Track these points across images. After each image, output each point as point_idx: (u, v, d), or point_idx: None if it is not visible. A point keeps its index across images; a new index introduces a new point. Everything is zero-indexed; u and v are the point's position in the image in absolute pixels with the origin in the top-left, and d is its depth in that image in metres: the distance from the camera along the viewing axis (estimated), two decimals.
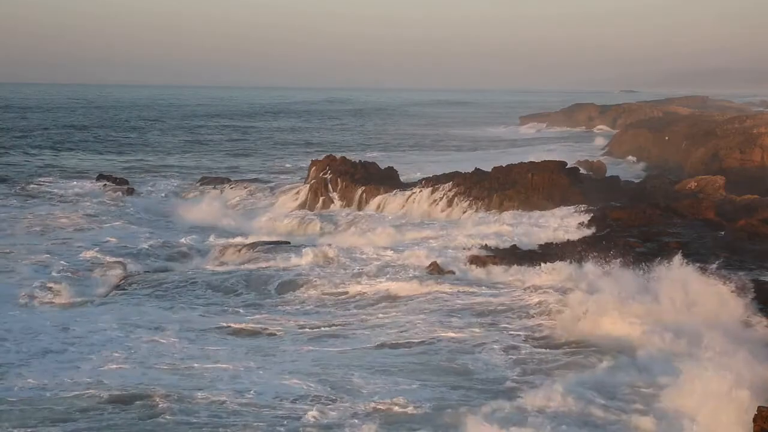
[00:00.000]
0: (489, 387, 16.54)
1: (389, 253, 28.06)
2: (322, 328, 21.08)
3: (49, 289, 24.88)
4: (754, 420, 12.44)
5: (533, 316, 20.93)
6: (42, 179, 50.60)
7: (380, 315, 22.12)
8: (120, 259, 28.73)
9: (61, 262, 28.24)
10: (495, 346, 18.77)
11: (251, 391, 16.40)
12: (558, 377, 16.59)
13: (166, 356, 18.68)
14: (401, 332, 20.43)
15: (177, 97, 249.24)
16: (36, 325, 21.01)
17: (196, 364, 18.12)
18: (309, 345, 19.70)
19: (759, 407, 12.64)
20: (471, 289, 23.63)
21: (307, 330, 21.05)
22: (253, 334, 20.84)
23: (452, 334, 19.85)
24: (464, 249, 27.59)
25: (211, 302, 24.13)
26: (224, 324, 21.51)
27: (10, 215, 38.69)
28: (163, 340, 19.85)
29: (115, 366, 17.89)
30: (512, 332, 19.88)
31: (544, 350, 18.69)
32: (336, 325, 21.33)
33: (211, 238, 33.00)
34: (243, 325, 21.34)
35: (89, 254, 29.55)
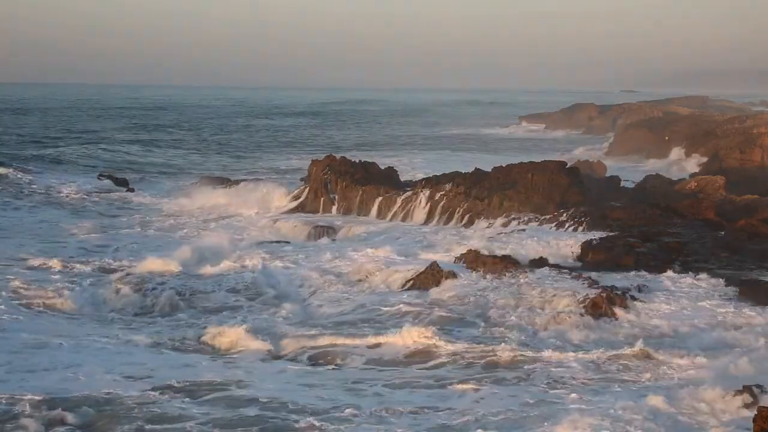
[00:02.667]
0: None
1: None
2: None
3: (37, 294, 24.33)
4: (754, 420, 12.44)
5: None
6: (43, 179, 50.59)
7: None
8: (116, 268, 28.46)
9: (62, 265, 28.04)
10: None
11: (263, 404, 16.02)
12: None
13: (142, 366, 18.43)
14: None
15: (182, 96, 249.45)
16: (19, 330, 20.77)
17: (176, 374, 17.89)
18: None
19: (759, 407, 12.64)
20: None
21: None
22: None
23: None
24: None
25: (198, 309, 23.94)
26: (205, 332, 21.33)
27: (13, 215, 38.89)
28: (150, 351, 19.70)
29: (101, 375, 17.60)
30: None
31: None
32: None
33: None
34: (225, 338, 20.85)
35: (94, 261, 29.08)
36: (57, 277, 26.20)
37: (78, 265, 27.62)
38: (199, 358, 19.30)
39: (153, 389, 16.51)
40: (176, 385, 16.80)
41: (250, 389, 16.62)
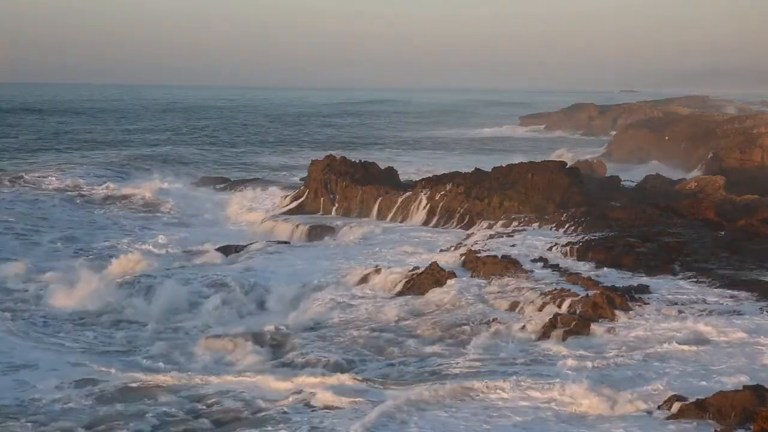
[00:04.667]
0: None
1: None
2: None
3: None
4: (755, 420, 12.44)
5: None
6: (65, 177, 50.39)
7: None
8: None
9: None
10: None
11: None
12: None
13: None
14: None
15: (192, 96, 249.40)
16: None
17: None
18: None
19: (759, 409, 12.64)
20: None
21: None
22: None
23: None
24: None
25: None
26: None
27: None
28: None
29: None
30: None
31: None
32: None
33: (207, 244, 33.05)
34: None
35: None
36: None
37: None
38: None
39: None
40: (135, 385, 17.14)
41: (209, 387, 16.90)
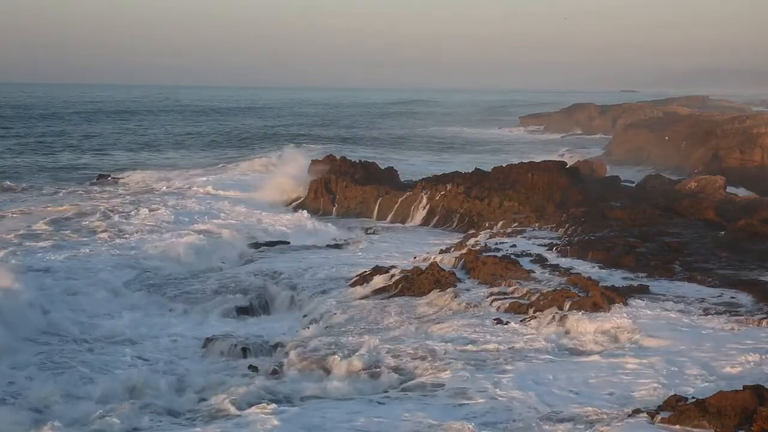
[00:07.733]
0: None
1: None
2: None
3: None
4: (755, 420, 12.42)
5: None
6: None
7: None
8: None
9: None
10: None
11: None
12: None
13: None
14: None
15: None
16: None
17: None
18: None
19: (759, 408, 12.62)
20: None
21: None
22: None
23: None
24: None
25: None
26: None
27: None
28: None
29: None
30: None
31: None
32: None
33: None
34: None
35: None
36: None
37: None
38: None
39: None
40: None
41: None
